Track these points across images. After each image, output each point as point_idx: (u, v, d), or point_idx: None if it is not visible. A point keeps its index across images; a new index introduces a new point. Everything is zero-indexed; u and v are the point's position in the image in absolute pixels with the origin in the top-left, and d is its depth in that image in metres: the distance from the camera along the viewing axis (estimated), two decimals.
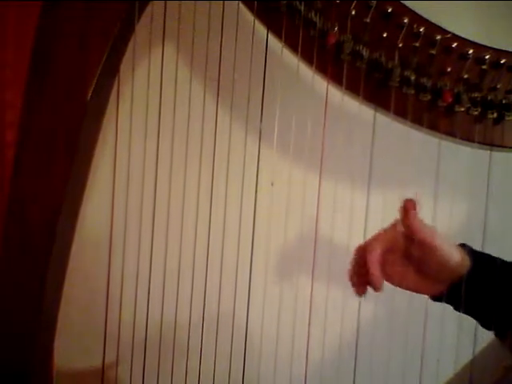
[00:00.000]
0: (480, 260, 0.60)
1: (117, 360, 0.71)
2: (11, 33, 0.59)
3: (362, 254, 0.61)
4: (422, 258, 0.60)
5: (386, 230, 0.62)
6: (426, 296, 0.63)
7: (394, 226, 0.61)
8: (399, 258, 0.61)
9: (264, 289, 0.80)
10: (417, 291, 0.62)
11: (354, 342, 0.70)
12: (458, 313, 0.61)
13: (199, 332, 0.71)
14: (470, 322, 0.64)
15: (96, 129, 0.64)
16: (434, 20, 0.60)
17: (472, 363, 0.66)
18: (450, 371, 0.69)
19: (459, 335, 0.63)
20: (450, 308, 0.65)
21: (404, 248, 0.61)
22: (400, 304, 0.76)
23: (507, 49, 0.61)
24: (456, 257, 0.59)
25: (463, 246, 0.62)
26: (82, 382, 0.82)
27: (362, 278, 0.61)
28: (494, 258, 0.62)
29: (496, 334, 0.62)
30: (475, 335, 0.64)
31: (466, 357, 0.67)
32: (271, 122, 0.67)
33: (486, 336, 0.66)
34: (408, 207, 0.60)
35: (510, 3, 0.85)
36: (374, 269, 0.59)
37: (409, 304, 0.74)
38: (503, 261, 0.62)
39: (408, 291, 0.62)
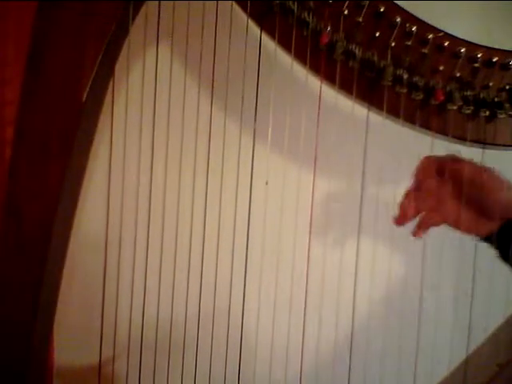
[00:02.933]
0: None
1: (113, 357, 0.72)
2: (12, 31, 0.60)
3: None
4: (472, 196, 0.60)
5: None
6: (422, 292, 0.63)
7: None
8: (451, 197, 0.62)
9: (259, 287, 0.80)
10: (468, 231, 0.62)
11: (349, 340, 0.70)
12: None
13: (195, 329, 0.71)
14: (463, 320, 0.64)
15: (91, 129, 0.65)
16: (432, 21, 0.60)
17: (466, 361, 0.66)
18: (444, 369, 0.69)
19: (453, 333, 0.63)
20: (444, 307, 0.65)
21: (457, 187, 0.61)
22: (394, 302, 0.76)
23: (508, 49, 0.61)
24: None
25: None
26: (79, 378, 0.82)
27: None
28: None
29: None
30: (469, 334, 0.64)
31: (460, 355, 0.67)
32: (265, 121, 0.67)
33: (480, 334, 0.67)
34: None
35: (511, 3, 0.85)
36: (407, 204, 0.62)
37: (403, 302, 0.75)
38: None
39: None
